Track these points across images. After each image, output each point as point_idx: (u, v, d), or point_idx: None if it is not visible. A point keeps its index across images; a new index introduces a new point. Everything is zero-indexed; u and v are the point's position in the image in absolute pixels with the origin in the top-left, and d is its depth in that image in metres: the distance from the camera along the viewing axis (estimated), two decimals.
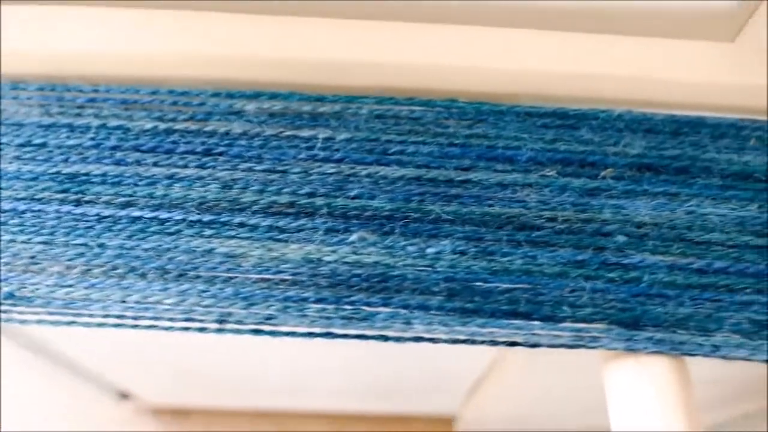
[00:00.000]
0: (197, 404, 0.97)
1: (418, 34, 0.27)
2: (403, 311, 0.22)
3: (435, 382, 0.77)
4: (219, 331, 0.23)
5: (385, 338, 0.22)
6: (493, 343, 0.22)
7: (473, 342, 0.22)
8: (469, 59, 0.27)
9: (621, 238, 0.24)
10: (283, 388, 0.84)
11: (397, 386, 0.80)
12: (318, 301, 0.22)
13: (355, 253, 0.23)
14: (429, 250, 0.23)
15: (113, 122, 0.26)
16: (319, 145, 0.25)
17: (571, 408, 0.85)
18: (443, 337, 0.22)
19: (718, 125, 0.27)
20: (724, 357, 0.22)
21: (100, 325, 0.23)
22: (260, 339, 0.65)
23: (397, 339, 0.22)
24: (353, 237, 0.23)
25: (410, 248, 0.23)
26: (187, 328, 0.23)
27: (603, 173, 0.25)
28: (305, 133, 0.26)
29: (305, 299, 0.22)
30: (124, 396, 0.92)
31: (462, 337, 0.22)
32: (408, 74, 0.27)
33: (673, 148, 0.26)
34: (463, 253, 0.23)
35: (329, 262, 0.23)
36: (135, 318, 0.23)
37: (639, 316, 0.23)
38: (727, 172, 0.26)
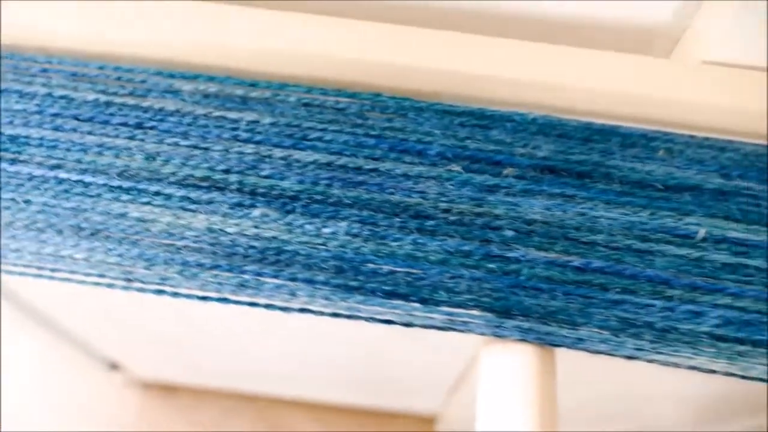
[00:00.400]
0: (186, 382, 0.99)
1: (350, 31, 0.29)
2: (290, 283, 0.24)
3: (417, 380, 0.79)
4: (125, 288, 0.25)
5: (272, 307, 0.24)
6: (371, 319, 0.24)
7: (350, 317, 0.24)
8: (396, 57, 0.29)
9: (509, 233, 0.25)
10: (270, 374, 0.86)
11: (380, 382, 0.81)
12: (213, 267, 0.24)
13: (255, 227, 0.25)
14: (324, 230, 0.25)
15: (59, 92, 0.28)
16: (243, 126, 0.27)
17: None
18: (324, 310, 0.24)
19: (629, 135, 0.28)
20: (586, 350, 0.23)
21: (21, 273, 0.25)
22: (250, 325, 0.66)
23: (284, 309, 0.24)
24: (256, 212, 0.25)
25: (308, 227, 0.25)
26: (97, 283, 0.25)
27: (505, 172, 0.26)
28: (233, 115, 0.28)
29: (201, 265, 0.24)
30: (114, 367, 0.94)
31: (343, 312, 0.24)
32: (339, 68, 0.29)
33: (581, 153, 0.27)
34: (356, 235, 0.25)
35: (230, 234, 0.25)
36: (52, 270, 0.25)
37: (511, 306, 0.24)
38: (627, 180, 0.26)
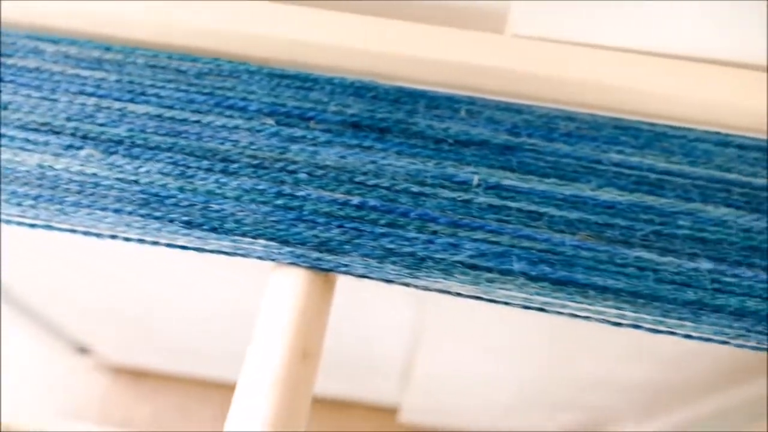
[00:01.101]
0: (156, 368, 1.02)
1: (195, 2, 0.32)
2: (100, 212, 0.27)
3: (371, 365, 0.81)
4: None
5: (89, 233, 0.27)
6: (168, 245, 0.27)
7: (150, 242, 0.27)
8: (236, 26, 0.32)
9: (302, 176, 0.28)
10: (234, 360, 0.89)
11: (339, 367, 0.83)
12: (36, 198, 0.28)
13: (81, 165, 0.28)
14: (140, 170, 0.28)
15: None
16: (90, 83, 0.31)
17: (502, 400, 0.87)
18: (129, 236, 0.27)
19: (435, 97, 0.31)
20: (350, 273, 0.26)
21: None
22: (222, 308, 0.69)
23: (97, 235, 0.27)
24: (83, 153, 0.29)
25: (126, 167, 0.28)
26: None
27: (311, 125, 0.30)
28: (86, 73, 0.31)
29: (27, 195, 0.28)
30: (83, 350, 0.97)
31: (145, 238, 0.27)
32: (186, 36, 0.32)
33: (387, 112, 0.30)
34: (166, 174, 0.28)
35: (56, 170, 0.28)
36: None
37: (290, 236, 0.27)
38: (423, 135, 0.29)
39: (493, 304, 0.28)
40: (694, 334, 0.25)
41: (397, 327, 0.67)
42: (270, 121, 0.30)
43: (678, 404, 0.73)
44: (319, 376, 0.95)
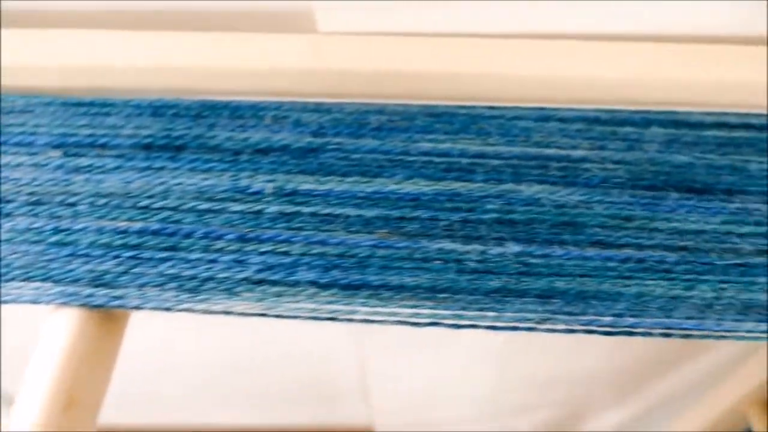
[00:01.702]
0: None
1: (29, 37, 0.30)
2: None
3: (333, 390, 0.78)
4: None
5: None
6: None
7: None
8: (29, 57, 0.30)
9: (82, 208, 0.26)
10: (194, 401, 0.85)
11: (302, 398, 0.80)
12: None
13: None
14: None
15: None
16: None
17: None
18: None
19: (239, 107, 0.29)
20: (123, 307, 0.24)
21: None
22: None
23: None
24: None
25: None
26: None
27: (99, 152, 0.27)
28: None
29: None
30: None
31: None
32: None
33: (185, 128, 0.28)
34: None
35: None
36: None
37: (61, 274, 0.25)
38: (220, 148, 0.27)
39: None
40: (498, 324, 0.23)
41: (343, 345, 0.65)
42: (56, 153, 0.28)
43: (648, 382, 0.70)
44: (282, 407, 0.92)
